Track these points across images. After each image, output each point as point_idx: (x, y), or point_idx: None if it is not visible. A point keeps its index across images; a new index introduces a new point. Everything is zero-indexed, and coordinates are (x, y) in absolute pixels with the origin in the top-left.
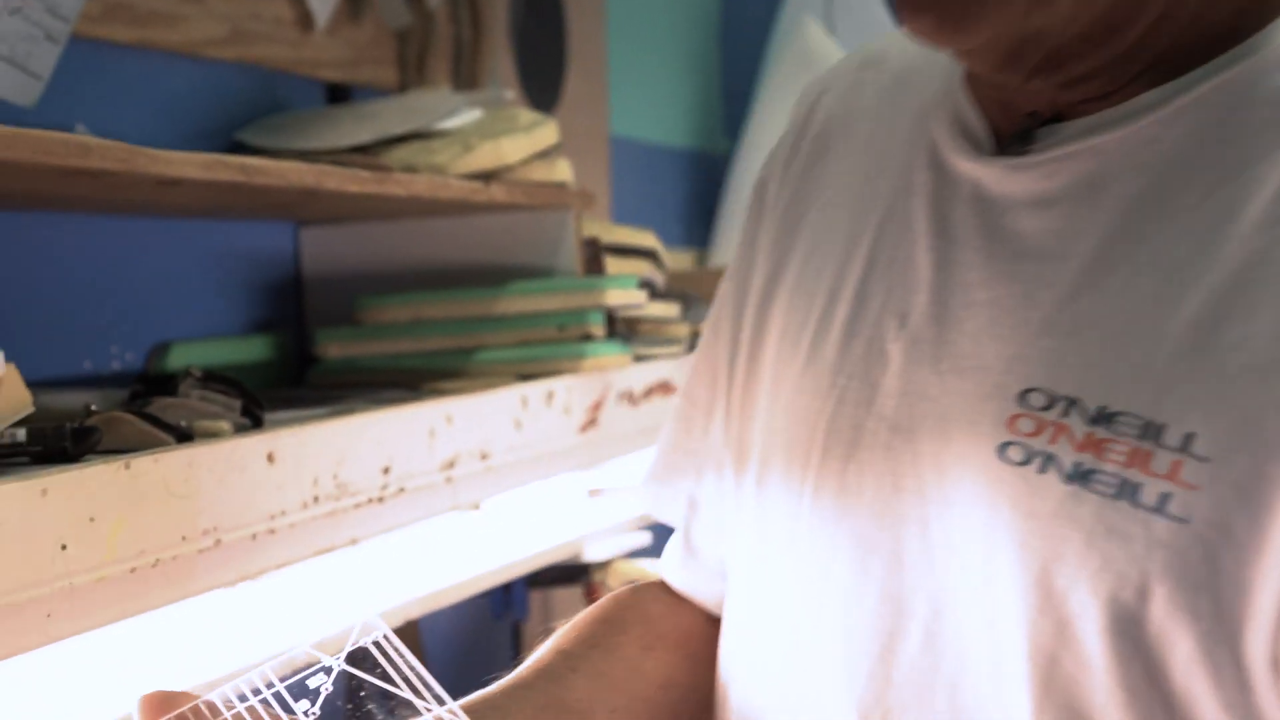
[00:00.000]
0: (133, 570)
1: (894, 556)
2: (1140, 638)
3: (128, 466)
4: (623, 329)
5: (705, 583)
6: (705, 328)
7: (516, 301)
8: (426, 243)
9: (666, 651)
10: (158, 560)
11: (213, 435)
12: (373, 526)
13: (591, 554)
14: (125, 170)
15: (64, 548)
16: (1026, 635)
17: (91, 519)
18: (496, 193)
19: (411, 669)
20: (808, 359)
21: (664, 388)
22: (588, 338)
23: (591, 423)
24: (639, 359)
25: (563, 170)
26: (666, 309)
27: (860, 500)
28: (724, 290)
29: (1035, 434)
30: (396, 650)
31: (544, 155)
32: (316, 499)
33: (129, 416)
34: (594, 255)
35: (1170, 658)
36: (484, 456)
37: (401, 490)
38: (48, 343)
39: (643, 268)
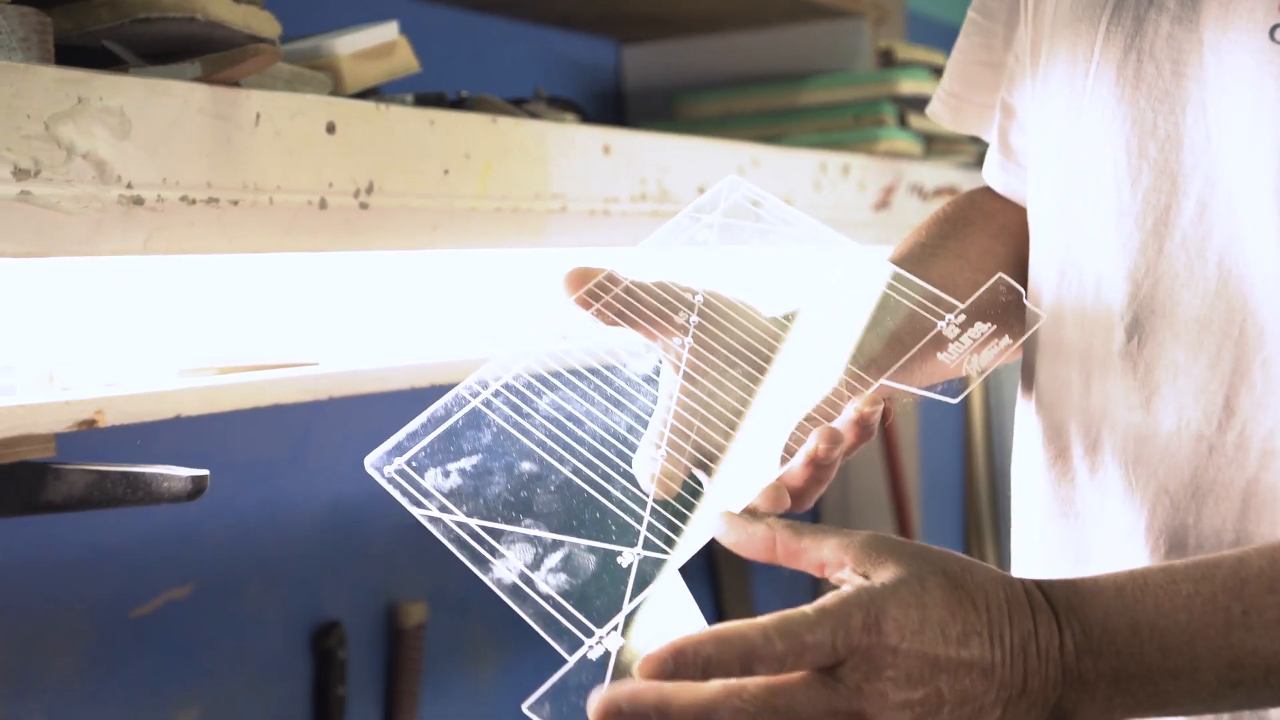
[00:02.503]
0: (497, 210)
1: (1172, 139)
2: None
3: (495, 121)
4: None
5: (1024, 184)
6: None
7: (816, 93)
8: (733, 55)
9: (1012, 238)
10: (517, 208)
11: (559, 120)
12: None
13: None
14: None
15: (446, 173)
16: None
17: (467, 155)
18: None
19: (780, 209)
20: None
21: (952, 191)
22: (880, 124)
23: (884, 204)
24: (929, 158)
25: None
26: None
27: (1139, 89)
28: None
29: None
30: (760, 198)
31: None
32: (644, 196)
33: (493, 98)
34: (887, 65)
35: None
36: (789, 225)
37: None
38: None
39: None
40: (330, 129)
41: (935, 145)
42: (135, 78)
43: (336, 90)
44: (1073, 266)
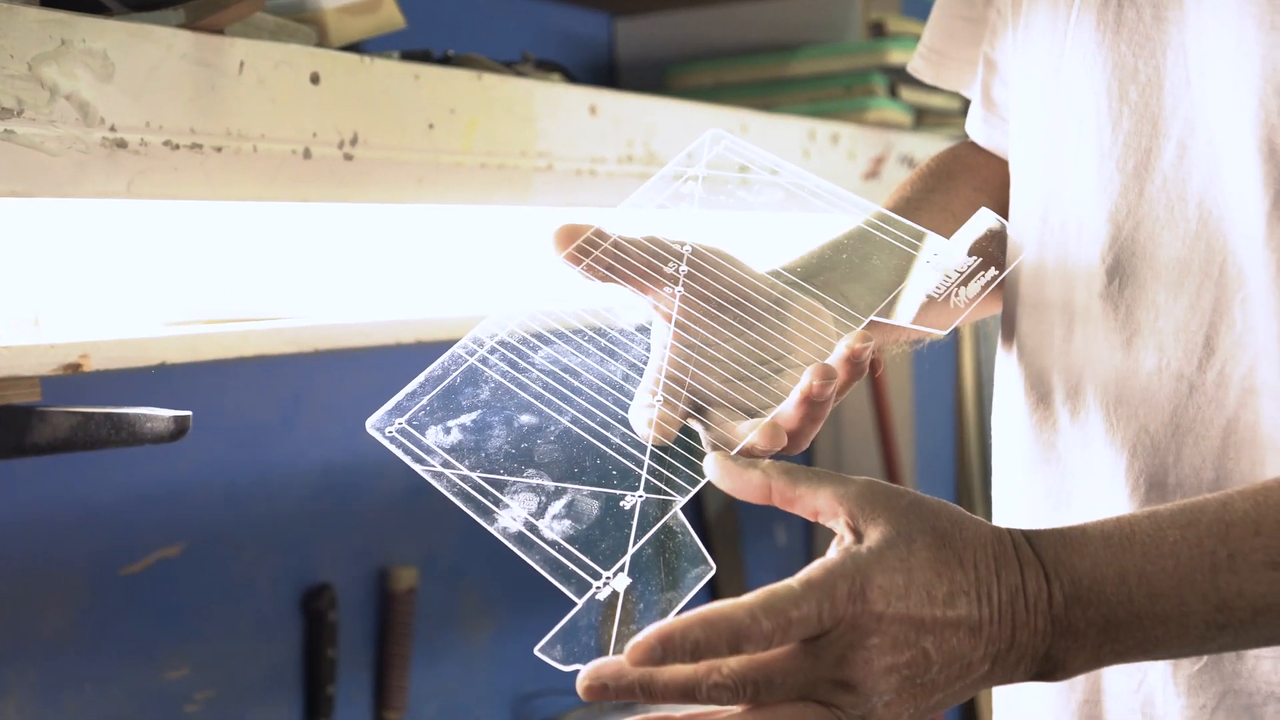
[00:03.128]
0: (483, 166)
1: (1152, 82)
2: None
3: (480, 77)
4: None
5: (1006, 137)
6: None
7: (807, 64)
8: (726, 26)
9: (996, 190)
10: (503, 165)
11: (545, 79)
12: None
13: None
14: None
15: (431, 127)
16: (1265, 139)
17: (452, 110)
18: None
19: (765, 158)
20: None
21: None
22: (870, 94)
23: (874, 174)
24: (920, 130)
25: None
26: (949, 100)
27: (1119, 33)
28: None
29: None
30: (744, 149)
31: None
32: (631, 158)
33: (480, 57)
34: (878, 36)
35: None
36: (773, 173)
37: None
38: None
39: None
40: (314, 79)
41: (926, 118)
42: (118, 21)
43: (321, 43)
44: (1055, 212)
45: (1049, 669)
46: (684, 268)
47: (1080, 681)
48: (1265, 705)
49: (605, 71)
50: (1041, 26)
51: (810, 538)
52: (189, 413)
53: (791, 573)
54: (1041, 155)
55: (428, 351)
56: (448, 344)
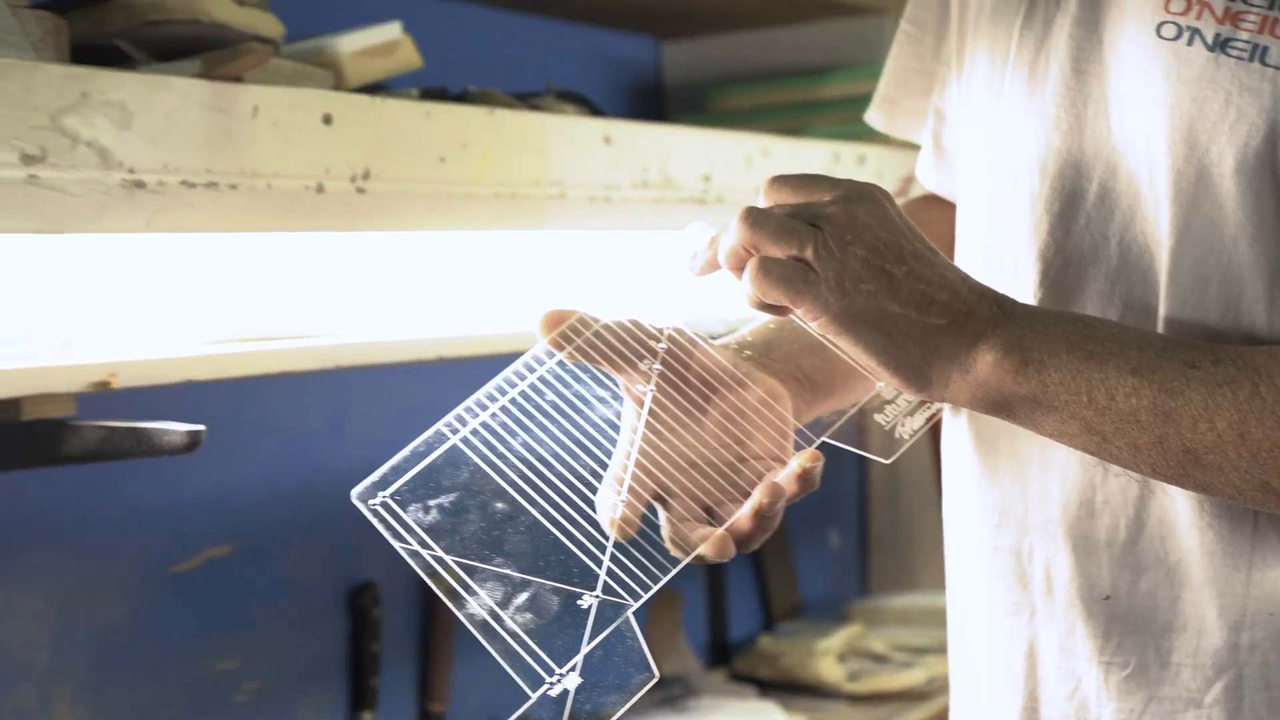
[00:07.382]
0: (495, 195)
1: (1074, 130)
2: (1272, 176)
3: (492, 113)
4: None
5: (956, 183)
6: None
7: (838, 86)
8: (764, 50)
9: (947, 251)
10: (515, 193)
11: (560, 112)
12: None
13: None
14: None
15: (442, 160)
16: (1172, 182)
17: (464, 145)
18: None
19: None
20: None
21: None
22: None
23: (901, 193)
24: None
25: None
26: None
27: (1046, 85)
28: None
29: (1184, 12)
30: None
31: None
32: (646, 184)
33: (497, 92)
34: None
35: None
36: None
37: (720, 199)
38: None
39: None
40: (327, 120)
41: None
42: (136, 74)
43: (339, 86)
44: (994, 254)
45: (997, 353)
46: (657, 366)
47: (1020, 687)
48: (1185, 711)
49: (652, 94)
50: (981, 80)
51: (864, 541)
52: (202, 427)
53: (846, 577)
54: (983, 201)
55: (451, 367)
56: (468, 361)
